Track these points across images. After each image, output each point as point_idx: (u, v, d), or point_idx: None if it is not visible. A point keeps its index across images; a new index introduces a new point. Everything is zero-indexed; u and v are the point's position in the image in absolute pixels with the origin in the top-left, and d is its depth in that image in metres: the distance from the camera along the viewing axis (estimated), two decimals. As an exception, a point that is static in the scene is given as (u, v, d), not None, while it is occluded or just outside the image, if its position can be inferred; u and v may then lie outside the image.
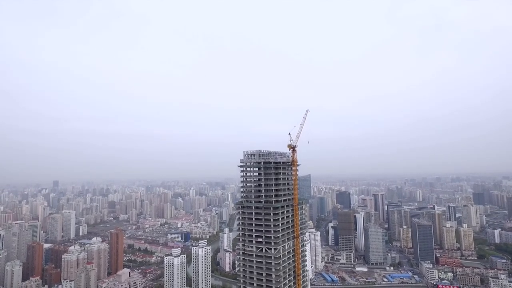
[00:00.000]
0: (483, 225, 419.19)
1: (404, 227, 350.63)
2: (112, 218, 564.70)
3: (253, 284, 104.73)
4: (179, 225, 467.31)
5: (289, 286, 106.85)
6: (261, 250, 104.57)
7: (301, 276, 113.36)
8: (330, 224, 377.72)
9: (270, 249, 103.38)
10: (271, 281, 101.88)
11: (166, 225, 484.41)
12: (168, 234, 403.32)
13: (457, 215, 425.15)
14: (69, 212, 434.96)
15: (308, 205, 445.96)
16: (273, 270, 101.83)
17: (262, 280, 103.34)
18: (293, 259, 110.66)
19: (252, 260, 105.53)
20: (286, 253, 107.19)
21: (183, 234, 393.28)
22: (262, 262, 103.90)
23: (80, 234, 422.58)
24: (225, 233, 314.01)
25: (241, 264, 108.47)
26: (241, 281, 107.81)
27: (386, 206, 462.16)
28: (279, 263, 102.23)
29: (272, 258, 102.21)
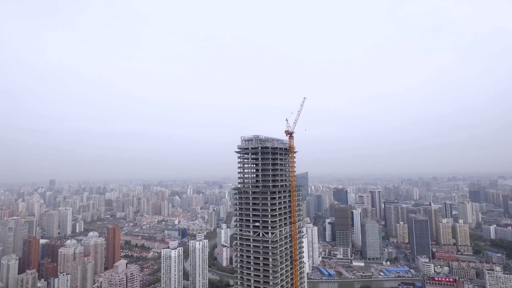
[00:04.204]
0: (479, 222, 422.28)
1: (400, 223, 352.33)
2: (109, 216, 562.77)
3: (250, 268, 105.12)
4: (176, 222, 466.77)
5: (286, 270, 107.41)
6: (258, 234, 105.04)
7: (298, 261, 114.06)
8: (328, 220, 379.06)
9: (267, 233, 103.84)
10: (268, 265, 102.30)
11: (163, 222, 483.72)
12: (165, 231, 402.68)
13: (453, 212, 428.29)
14: (65, 209, 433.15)
15: (305, 202, 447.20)
16: (270, 254, 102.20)
17: (259, 264, 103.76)
18: (290, 244, 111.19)
19: (249, 245, 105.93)
20: (283, 238, 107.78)
21: (180, 231, 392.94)
22: (259, 247, 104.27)
23: (77, 231, 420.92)
24: (223, 228, 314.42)
25: (238, 249, 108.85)
26: (238, 265, 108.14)
27: (383, 204, 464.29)
28: (276, 247, 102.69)
29: (269, 242, 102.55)
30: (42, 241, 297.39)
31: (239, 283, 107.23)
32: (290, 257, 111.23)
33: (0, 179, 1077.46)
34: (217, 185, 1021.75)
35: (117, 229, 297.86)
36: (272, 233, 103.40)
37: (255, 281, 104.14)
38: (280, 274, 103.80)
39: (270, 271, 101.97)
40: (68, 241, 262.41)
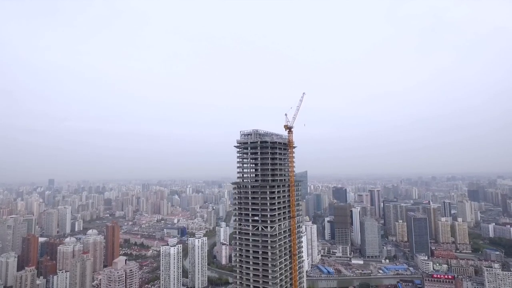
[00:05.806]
0: (477, 220, 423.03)
1: (399, 221, 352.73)
2: (108, 215, 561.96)
3: (249, 262, 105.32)
4: (175, 221, 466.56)
5: (285, 264, 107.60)
6: (257, 228, 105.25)
7: (297, 256, 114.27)
8: (327, 219, 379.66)
9: (266, 227, 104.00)
10: (267, 259, 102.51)
11: (163, 221, 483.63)
12: (165, 229, 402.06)
13: (452, 211, 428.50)
14: (64, 208, 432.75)
15: (304, 201, 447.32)
16: (269, 248, 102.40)
17: (258, 258, 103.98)
18: (289, 239, 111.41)
19: (249, 239, 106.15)
20: (282, 232, 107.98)
21: (179, 229, 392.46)
22: (258, 241, 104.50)
23: (76, 229, 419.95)
24: (222, 227, 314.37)
25: (237, 243, 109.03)
26: (238, 260, 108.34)
27: (382, 203, 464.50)
28: (275, 241, 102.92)
29: (268, 236, 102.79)
30: (41, 239, 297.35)
31: (238, 277, 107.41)
32: (289, 251, 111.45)
33: (0, 179, 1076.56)
34: (216, 184, 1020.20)
35: (116, 227, 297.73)
36: (271, 227, 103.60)
37: (254, 275, 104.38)
38: (279, 268, 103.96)
39: (269, 265, 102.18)
40: (67, 239, 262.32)
